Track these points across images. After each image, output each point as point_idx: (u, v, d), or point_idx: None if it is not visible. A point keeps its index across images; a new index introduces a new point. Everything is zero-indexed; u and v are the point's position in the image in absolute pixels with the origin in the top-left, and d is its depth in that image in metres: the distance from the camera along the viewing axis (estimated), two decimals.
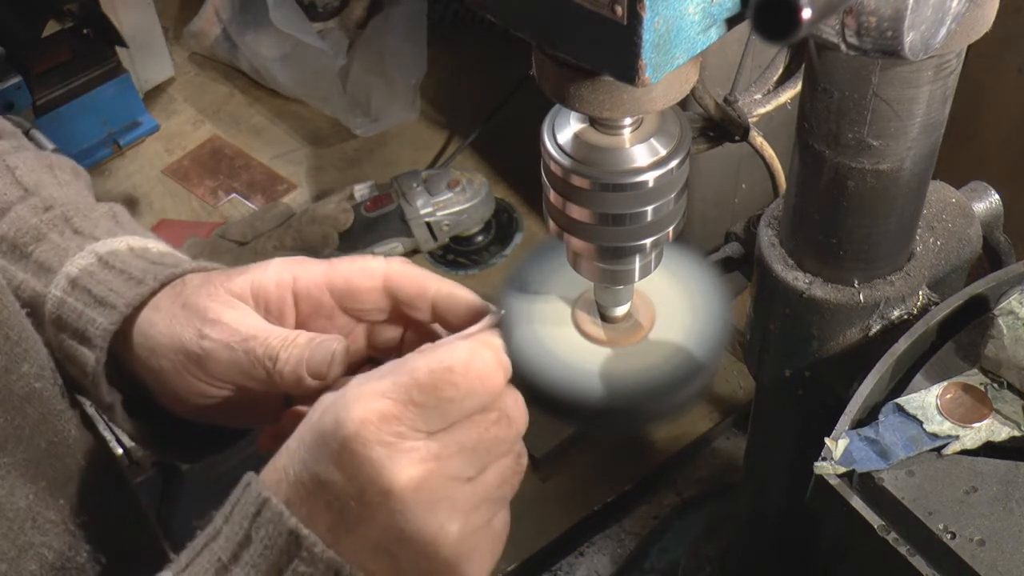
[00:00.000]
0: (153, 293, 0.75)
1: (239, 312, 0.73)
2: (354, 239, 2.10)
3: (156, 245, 0.80)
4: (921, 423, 0.87)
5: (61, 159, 0.86)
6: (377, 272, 0.74)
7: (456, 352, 0.63)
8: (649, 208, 0.66)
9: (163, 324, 0.74)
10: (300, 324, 0.75)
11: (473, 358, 0.63)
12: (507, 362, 0.65)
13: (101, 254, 0.76)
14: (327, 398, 0.63)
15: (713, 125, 1.17)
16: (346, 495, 0.61)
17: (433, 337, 0.74)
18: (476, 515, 0.64)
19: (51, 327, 0.75)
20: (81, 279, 0.75)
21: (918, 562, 0.81)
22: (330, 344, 0.71)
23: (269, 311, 0.74)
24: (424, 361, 0.62)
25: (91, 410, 0.80)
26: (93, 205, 0.82)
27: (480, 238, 2.20)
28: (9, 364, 0.63)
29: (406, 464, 0.61)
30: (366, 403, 0.61)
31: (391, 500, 0.60)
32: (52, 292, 0.75)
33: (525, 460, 0.67)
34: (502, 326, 0.70)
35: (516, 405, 0.65)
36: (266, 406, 0.76)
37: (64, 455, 0.68)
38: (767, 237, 1.03)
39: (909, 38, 0.71)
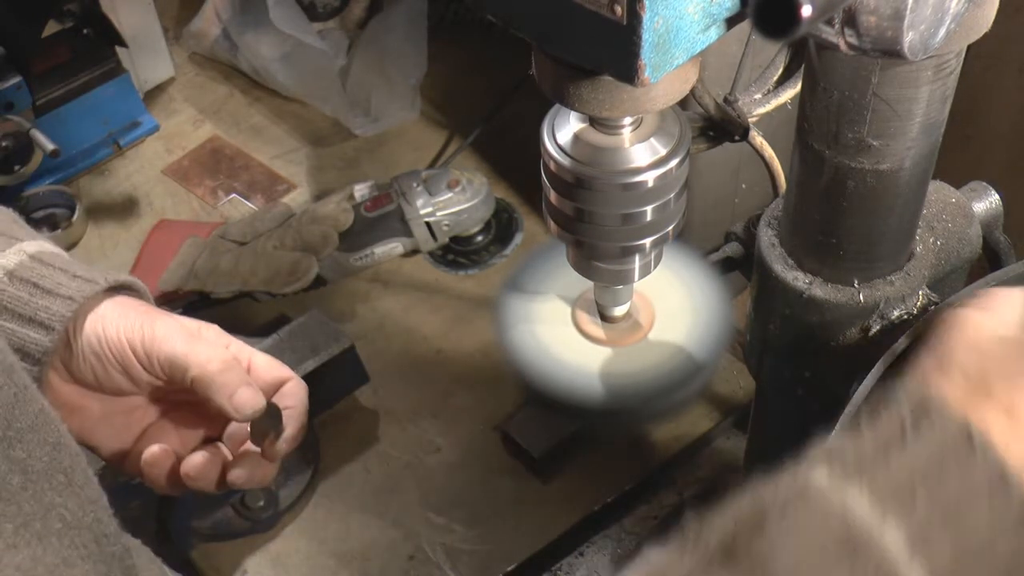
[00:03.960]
0: (106, 291, 0.84)
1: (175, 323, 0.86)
2: (354, 239, 2.10)
3: (63, 253, 0.88)
4: None
5: None
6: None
7: None
8: (649, 208, 0.66)
9: (117, 313, 0.84)
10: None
11: None
12: None
13: (31, 253, 0.82)
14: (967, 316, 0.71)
15: (713, 125, 1.17)
16: None
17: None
18: None
19: None
20: (19, 271, 0.80)
21: None
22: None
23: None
24: None
25: None
26: None
27: (480, 238, 2.20)
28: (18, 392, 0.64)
29: None
30: None
31: None
32: None
33: None
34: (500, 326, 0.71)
35: None
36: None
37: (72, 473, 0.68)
38: (767, 237, 1.03)
39: (909, 38, 0.71)
